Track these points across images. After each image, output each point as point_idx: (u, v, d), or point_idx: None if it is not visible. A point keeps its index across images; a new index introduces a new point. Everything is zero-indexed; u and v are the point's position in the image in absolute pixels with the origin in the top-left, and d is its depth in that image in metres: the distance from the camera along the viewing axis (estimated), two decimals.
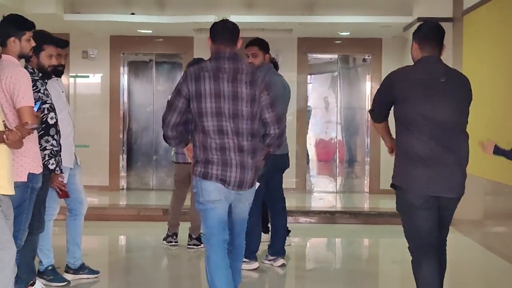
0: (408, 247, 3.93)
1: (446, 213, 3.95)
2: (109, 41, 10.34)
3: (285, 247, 5.97)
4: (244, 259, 5.59)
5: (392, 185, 3.96)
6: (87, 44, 10.25)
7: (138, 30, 9.81)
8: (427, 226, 3.83)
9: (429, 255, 3.85)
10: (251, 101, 3.93)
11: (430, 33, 3.98)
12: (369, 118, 4.20)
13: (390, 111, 4.04)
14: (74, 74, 10.33)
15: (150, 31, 9.89)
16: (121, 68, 10.54)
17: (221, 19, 4.12)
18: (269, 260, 5.85)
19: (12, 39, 4.06)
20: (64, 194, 4.77)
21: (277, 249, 5.85)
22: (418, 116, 3.81)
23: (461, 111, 3.92)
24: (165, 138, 4.10)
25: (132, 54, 10.68)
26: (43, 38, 4.59)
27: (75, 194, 5.09)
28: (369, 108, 4.14)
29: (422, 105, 3.82)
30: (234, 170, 3.90)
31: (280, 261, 5.83)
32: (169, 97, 4.11)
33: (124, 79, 10.61)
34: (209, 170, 3.89)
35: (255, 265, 5.68)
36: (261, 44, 5.72)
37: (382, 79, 4.13)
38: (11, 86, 3.87)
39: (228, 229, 4.04)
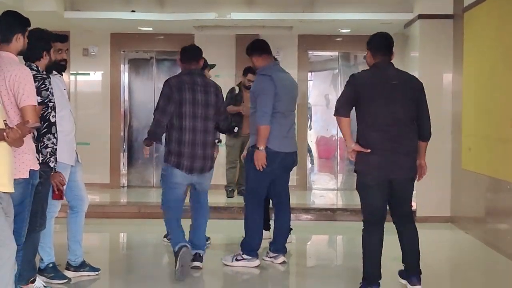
0: (362, 220, 4.72)
1: (402, 192, 4.69)
2: (110, 38, 10.32)
3: (286, 245, 5.97)
4: (245, 257, 5.65)
5: (354, 170, 4.72)
6: (87, 41, 10.24)
7: (139, 28, 9.81)
8: (378, 203, 4.64)
9: (377, 227, 4.67)
10: (215, 106, 5.35)
11: (379, 43, 4.72)
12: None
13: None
14: (74, 72, 10.32)
15: (151, 29, 9.89)
16: (122, 66, 10.53)
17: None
18: (270, 257, 5.85)
19: (18, 35, 4.06)
20: (59, 194, 4.67)
21: (279, 246, 5.85)
22: (374, 113, 4.55)
23: (408, 109, 4.61)
24: (154, 135, 5.37)
25: (133, 51, 10.67)
26: (50, 36, 4.61)
27: (75, 191, 5.10)
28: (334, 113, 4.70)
29: (377, 104, 4.54)
30: (198, 161, 5.28)
31: (281, 259, 5.83)
32: (158, 103, 5.22)
33: (124, 77, 10.60)
34: (181, 161, 5.24)
35: (256, 262, 5.69)
36: (252, 49, 5.71)
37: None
38: (15, 85, 3.86)
39: (195, 194, 5.54)
